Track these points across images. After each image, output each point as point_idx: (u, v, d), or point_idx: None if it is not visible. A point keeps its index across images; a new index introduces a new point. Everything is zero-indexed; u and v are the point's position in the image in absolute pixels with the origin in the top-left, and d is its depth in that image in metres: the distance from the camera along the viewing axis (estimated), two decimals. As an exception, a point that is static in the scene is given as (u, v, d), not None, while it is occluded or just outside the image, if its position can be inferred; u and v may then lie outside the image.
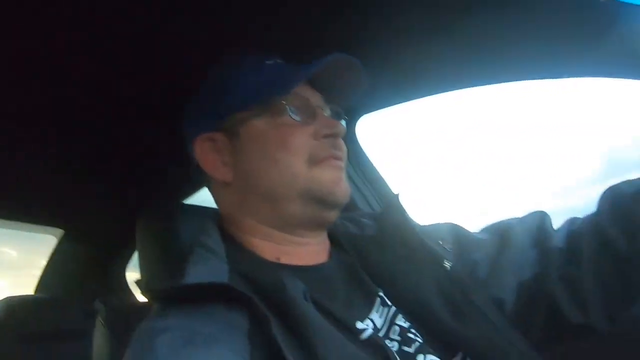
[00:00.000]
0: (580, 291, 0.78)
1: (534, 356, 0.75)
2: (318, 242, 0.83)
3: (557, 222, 0.89)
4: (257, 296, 0.65)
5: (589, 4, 0.94)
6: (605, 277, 0.77)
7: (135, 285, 1.06)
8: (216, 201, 0.87)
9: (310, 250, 0.81)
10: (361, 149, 1.48)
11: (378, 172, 1.51)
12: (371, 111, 1.40)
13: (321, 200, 0.77)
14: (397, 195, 0.93)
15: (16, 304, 1.56)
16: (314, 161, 0.77)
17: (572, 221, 0.86)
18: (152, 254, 1.04)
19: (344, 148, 0.82)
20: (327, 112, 0.85)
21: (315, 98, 0.82)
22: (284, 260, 0.78)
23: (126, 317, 0.99)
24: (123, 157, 1.33)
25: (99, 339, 1.03)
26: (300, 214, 0.78)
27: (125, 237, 1.75)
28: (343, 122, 0.85)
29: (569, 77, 1.06)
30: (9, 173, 1.32)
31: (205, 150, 0.82)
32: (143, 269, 1.05)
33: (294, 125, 0.78)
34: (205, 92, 0.85)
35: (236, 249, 0.79)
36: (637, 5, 1.03)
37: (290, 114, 0.78)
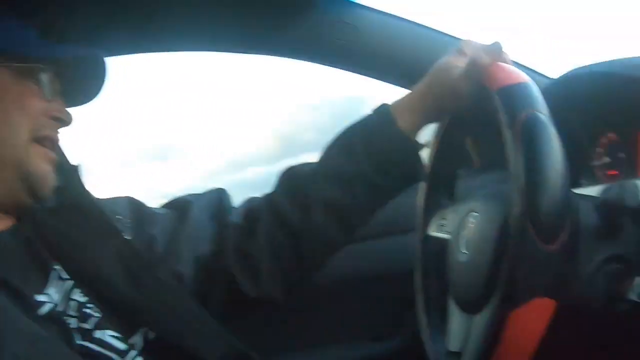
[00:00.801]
0: (256, 265, 0.82)
1: (217, 329, 0.77)
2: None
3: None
4: None
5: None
6: (280, 251, 0.82)
7: None
8: None
9: None
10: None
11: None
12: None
13: (26, 184, 0.73)
14: (76, 167, 0.89)
15: None
16: (36, 135, 0.73)
17: (251, 199, 0.90)
18: None
19: None
20: None
21: (56, 83, 0.78)
22: None
23: None
24: None
25: None
26: (3, 187, 0.72)
27: None
28: None
29: (261, 54, 1.12)
30: None
31: None
32: None
33: (35, 93, 0.74)
34: None
35: None
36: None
37: (38, 81, 0.74)
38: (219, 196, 0.90)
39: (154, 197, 0.98)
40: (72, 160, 1.40)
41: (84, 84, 0.83)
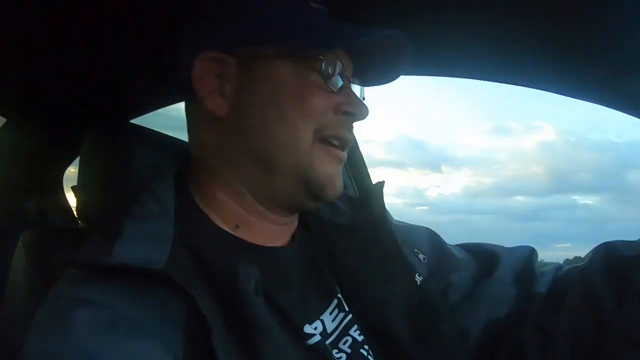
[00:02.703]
0: (552, 343, 0.73)
1: None
2: (285, 222, 0.74)
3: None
4: (203, 276, 0.58)
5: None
6: (582, 335, 0.73)
7: (71, 190, 1.06)
8: (192, 135, 0.76)
9: (273, 229, 0.73)
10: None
11: (359, 151, 1.43)
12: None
13: (308, 187, 0.68)
14: (381, 184, 0.82)
15: None
16: (321, 135, 0.68)
17: (559, 268, 0.82)
18: (93, 170, 0.98)
19: (353, 136, 0.74)
20: (353, 86, 0.75)
21: (348, 67, 0.72)
22: (241, 232, 0.70)
23: (50, 244, 0.91)
24: (82, 61, 1.22)
25: (17, 264, 0.94)
26: (284, 191, 0.69)
27: (71, 143, 1.64)
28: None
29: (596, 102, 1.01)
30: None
31: (207, 71, 0.68)
32: (82, 181, 0.98)
33: (320, 87, 0.67)
34: (230, 5, 0.71)
35: (190, 209, 0.69)
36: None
37: (321, 73, 0.67)
38: (529, 257, 0.83)
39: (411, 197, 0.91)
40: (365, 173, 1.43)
41: (382, 67, 0.75)
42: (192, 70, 0.68)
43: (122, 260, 0.55)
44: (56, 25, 1.06)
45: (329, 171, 0.69)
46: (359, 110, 0.70)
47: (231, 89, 0.68)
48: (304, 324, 0.64)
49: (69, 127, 1.52)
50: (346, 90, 0.70)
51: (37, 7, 0.99)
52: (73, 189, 1.01)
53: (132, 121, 1.47)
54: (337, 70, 0.69)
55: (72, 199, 1.78)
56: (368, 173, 1.44)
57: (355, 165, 1.45)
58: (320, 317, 0.67)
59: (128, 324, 0.51)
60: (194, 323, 0.53)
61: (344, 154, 0.71)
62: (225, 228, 0.69)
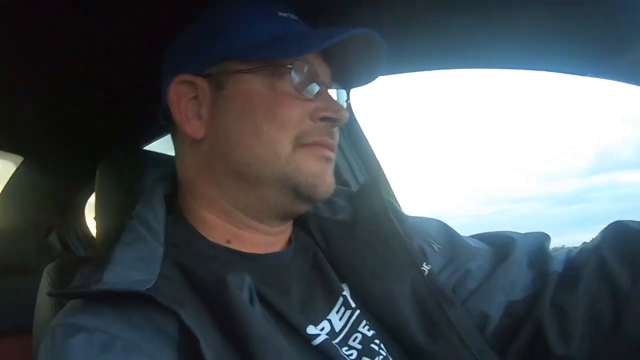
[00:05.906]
0: (569, 321, 0.72)
1: None
2: (279, 231, 0.74)
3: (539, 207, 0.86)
4: (195, 292, 0.59)
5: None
6: (599, 312, 0.72)
7: (93, 220, 1.05)
8: (177, 158, 0.76)
9: (267, 239, 0.72)
10: (353, 114, 1.36)
11: (368, 143, 1.44)
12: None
13: (298, 192, 0.67)
14: (378, 175, 0.85)
15: None
16: (301, 143, 0.66)
17: (571, 249, 0.81)
18: (109, 198, 1.01)
19: (337, 139, 0.72)
20: (331, 90, 0.73)
21: (323, 72, 0.71)
22: (235, 244, 0.70)
23: (72, 273, 0.96)
24: (92, 93, 1.26)
25: (42, 295, 0.98)
26: (272, 201, 0.68)
27: (86, 174, 1.69)
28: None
29: (594, 76, 1.00)
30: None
31: (181, 95, 0.69)
32: (100, 210, 1.01)
33: (292, 96, 0.66)
34: (198, 29, 0.72)
35: (181, 226, 0.71)
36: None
37: (292, 82, 0.66)
38: (542, 241, 0.82)
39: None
40: (377, 168, 1.44)
41: (358, 67, 0.73)
42: (168, 96, 0.70)
43: (109, 285, 0.56)
44: (64, 64, 1.10)
45: (317, 170, 0.68)
46: (337, 115, 0.68)
47: (207, 110, 0.69)
48: (307, 326, 0.63)
49: (84, 159, 1.56)
50: (323, 95, 0.69)
51: (48, 49, 1.04)
52: (95, 219, 1.03)
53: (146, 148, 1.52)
54: (310, 76, 0.68)
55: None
56: (376, 161, 1.43)
57: (367, 159, 1.44)
58: (328, 317, 0.67)
59: (120, 345, 0.52)
60: (185, 337, 0.54)
61: (331, 154, 0.70)
62: (218, 242, 0.70)
